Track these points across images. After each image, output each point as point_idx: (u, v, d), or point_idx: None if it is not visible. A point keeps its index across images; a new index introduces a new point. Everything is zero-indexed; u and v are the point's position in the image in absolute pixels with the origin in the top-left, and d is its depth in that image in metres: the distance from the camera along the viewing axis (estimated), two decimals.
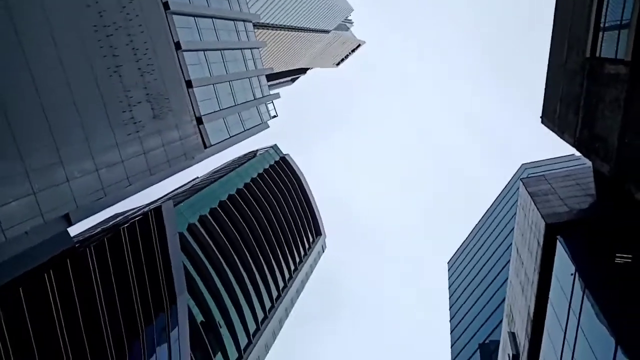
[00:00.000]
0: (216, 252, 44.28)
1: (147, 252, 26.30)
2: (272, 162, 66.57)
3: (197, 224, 43.92)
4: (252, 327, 46.84)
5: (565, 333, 17.26)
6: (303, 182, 71.67)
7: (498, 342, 33.79)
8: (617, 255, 17.04)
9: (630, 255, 17.18)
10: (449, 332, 47.54)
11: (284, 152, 71.39)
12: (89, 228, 42.51)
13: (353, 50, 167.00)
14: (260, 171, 61.65)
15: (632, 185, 12.19)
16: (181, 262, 33.44)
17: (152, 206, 33.76)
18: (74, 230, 25.77)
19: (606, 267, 16.54)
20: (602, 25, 14.35)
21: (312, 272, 68.49)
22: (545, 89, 20.43)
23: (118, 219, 36.33)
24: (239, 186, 54.66)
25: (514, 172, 53.37)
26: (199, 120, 29.72)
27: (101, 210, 22.61)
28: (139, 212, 33.19)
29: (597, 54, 13.85)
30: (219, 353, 39.82)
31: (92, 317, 21.65)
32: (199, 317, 38.66)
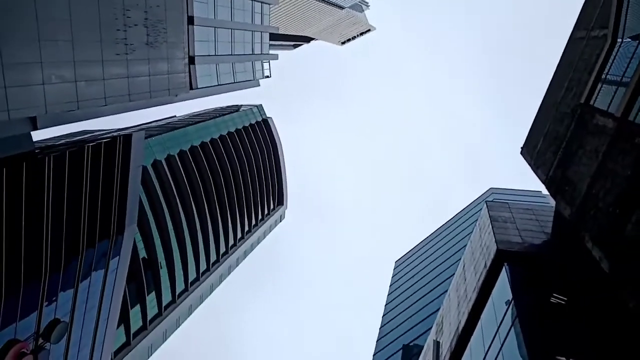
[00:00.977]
0: (175, 194, 43.80)
1: (106, 176, 25.78)
2: (253, 122, 65.81)
3: (163, 162, 43.22)
4: (192, 275, 46.89)
5: (486, 354, 17.99)
6: (279, 149, 71.29)
7: (422, 347, 34.97)
8: (553, 295, 17.79)
9: (565, 299, 17.97)
10: (379, 327, 48.84)
11: (268, 115, 70.66)
12: (54, 137, 41.27)
13: (362, 34, 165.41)
14: (239, 127, 60.89)
15: (587, 234, 12.67)
16: (138, 195, 32.98)
17: (122, 132, 33.01)
18: (37, 136, 24.98)
19: (541, 304, 17.24)
20: (603, 76, 14.68)
21: (264, 238, 68.74)
22: (533, 122, 20.84)
23: (85, 136, 35.42)
24: (214, 136, 53.92)
25: (482, 193, 54.53)
26: (192, 60, 28.99)
27: (70, 122, 21.96)
28: (107, 135, 32.41)
29: (591, 102, 14.18)
30: (153, 292, 39.76)
31: (35, 226, 21.20)
32: (142, 253, 38.39)
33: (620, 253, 11.15)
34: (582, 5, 17.26)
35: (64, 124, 21.47)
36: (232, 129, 58.72)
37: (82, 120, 22.65)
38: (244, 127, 62.10)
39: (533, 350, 14.59)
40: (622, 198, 11.49)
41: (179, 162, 45.45)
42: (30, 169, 20.49)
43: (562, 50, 19.14)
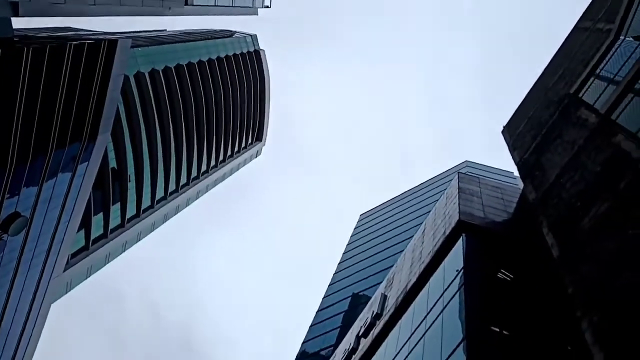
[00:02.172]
0: (154, 110, 42.92)
1: (85, 79, 24.98)
2: (245, 51, 63.96)
3: (146, 75, 41.97)
4: (159, 194, 46.92)
5: (427, 314, 18.98)
6: (266, 84, 69.96)
7: (370, 298, 36.55)
8: (501, 270, 18.70)
9: (512, 276, 18.93)
10: (333, 272, 50.54)
11: (261, 48, 68.69)
12: (35, 28, 39.33)
13: None
14: (230, 54, 59.15)
15: (545, 220, 13.24)
16: (116, 104, 32.20)
17: (108, 37, 31.71)
18: (18, 24, 23.73)
19: (488, 277, 18.13)
20: (597, 71, 14.81)
21: (237, 170, 68.74)
22: (520, 104, 21.03)
23: (69, 34, 33.89)
24: (203, 58, 52.36)
25: (457, 164, 55.43)
26: None
27: (55, 15, 20.94)
28: (92, 37, 31.10)
29: (580, 95, 14.37)
30: (118, 204, 39.77)
31: (4, 115, 20.63)
32: (113, 163, 38.00)
33: (572, 243, 11.74)
34: None
35: (48, 16, 20.47)
36: (222, 55, 57.04)
37: (68, 16, 21.61)
38: (234, 55, 60.37)
39: (471, 316, 15.45)
40: (585, 192, 11.96)
41: (162, 79, 44.23)
42: (6, 56, 19.66)
43: (561, 37, 19.11)
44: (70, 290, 36.51)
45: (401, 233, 48.74)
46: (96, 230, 37.01)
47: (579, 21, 18.00)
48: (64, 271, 32.45)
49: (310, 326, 43.33)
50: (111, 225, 38.80)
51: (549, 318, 15.32)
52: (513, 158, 17.99)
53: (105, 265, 40.76)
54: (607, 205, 10.93)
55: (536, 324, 15.69)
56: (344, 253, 53.71)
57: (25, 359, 30.31)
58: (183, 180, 51.40)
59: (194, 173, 53.64)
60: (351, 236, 57.84)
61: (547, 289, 15.51)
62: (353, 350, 25.37)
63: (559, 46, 19.32)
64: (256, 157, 73.47)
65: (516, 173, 47.15)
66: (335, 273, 49.76)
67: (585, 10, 18.46)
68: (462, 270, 17.96)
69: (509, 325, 15.83)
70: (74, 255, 34.78)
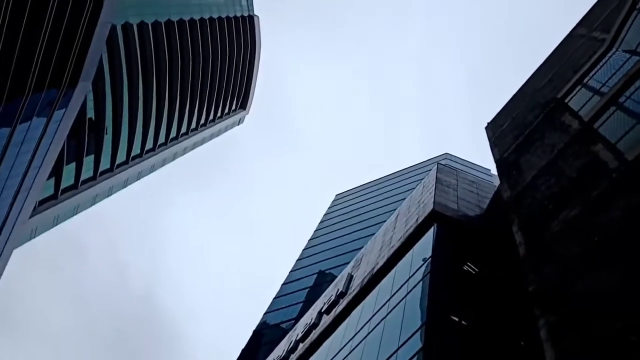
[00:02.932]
0: (139, 64, 41.78)
1: (70, 23, 24.08)
2: (239, 15, 62.55)
3: (134, 27, 40.68)
4: (135, 150, 46.07)
5: (390, 298, 19.36)
6: (257, 51, 68.74)
7: (336, 276, 37.03)
8: (467, 263, 19.13)
9: (477, 269, 19.39)
10: (303, 248, 50.95)
11: (256, 13, 67.24)
12: None
13: None
14: (223, 15, 57.75)
15: (516, 219, 13.52)
16: (100, 53, 31.22)
17: None
18: None
19: (454, 268, 18.53)
20: (585, 80, 15.01)
21: (217, 136, 67.91)
22: (507, 102, 21.22)
23: None
24: (195, 17, 50.99)
25: (437, 155, 55.97)
26: None
27: None
28: None
29: (566, 100, 14.56)
30: (92, 156, 38.93)
31: None
32: (91, 114, 37.00)
33: (539, 244, 12.05)
34: (593, 3, 17.20)
35: None
36: (215, 15, 55.64)
37: None
38: (227, 18, 58.96)
39: (432, 304, 15.80)
40: (558, 196, 12.23)
41: (150, 33, 42.96)
42: None
43: (557, 39, 19.24)
44: (34, 237, 35.87)
45: (374, 217, 49.26)
46: (67, 180, 36.23)
47: (575, 27, 18.14)
48: (30, 217, 31.79)
49: (274, 298, 43.75)
50: (83, 177, 38.02)
51: (508, 313, 15.80)
52: (493, 155, 18.23)
53: (73, 216, 40.10)
54: (577, 210, 11.21)
55: (495, 317, 16.17)
56: (315, 230, 54.08)
57: None
58: (161, 139, 50.56)
59: (172, 133, 52.78)
60: (325, 214, 58.21)
61: (509, 286, 15.95)
62: (314, 326, 25.77)
63: (552, 49, 19.48)
64: (238, 124, 72.66)
65: (493, 170, 47.91)
66: (305, 249, 50.16)
67: (584, 17, 18.59)
68: (430, 259, 18.29)
69: (469, 316, 16.28)
70: (41, 202, 34.05)
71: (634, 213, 9.21)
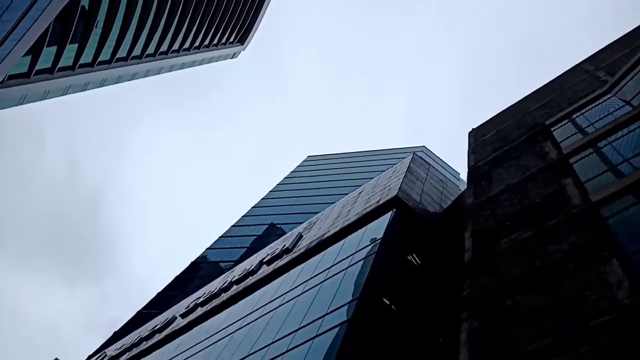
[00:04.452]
0: None
1: None
2: None
3: None
4: (121, 53, 44.34)
5: (332, 266, 19.75)
6: None
7: (285, 232, 37.52)
8: (413, 254, 19.72)
9: (419, 262, 20.02)
10: (261, 197, 51.10)
11: None
12: None
13: None
14: None
15: (471, 226, 13.95)
16: None
17: None
18: None
19: (399, 256, 19.06)
20: (573, 117, 15.34)
21: (207, 63, 66.03)
22: (496, 115, 21.49)
23: None
24: None
25: (415, 145, 56.49)
26: None
27: None
28: None
29: (552, 129, 14.87)
30: (76, 45, 37.26)
31: None
32: (85, 2, 35.22)
33: (484, 254, 12.51)
34: (607, 44, 17.39)
35: None
36: None
37: None
38: None
39: (369, 282, 16.25)
40: (517, 216, 12.65)
41: None
42: None
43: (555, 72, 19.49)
44: None
45: (338, 187, 49.70)
46: (44, 62, 34.67)
47: (582, 61, 18.37)
48: None
49: (220, 236, 44.05)
50: (61, 64, 36.46)
51: (437, 310, 16.50)
52: (468, 160, 18.56)
53: (41, 100, 38.64)
54: (529, 234, 11.66)
55: (424, 310, 16.86)
56: (278, 184, 54.21)
57: None
58: (150, 49, 48.80)
59: (163, 47, 50.98)
60: (292, 171, 58.28)
61: (446, 285, 16.59)
62: (252, 272, 26.19)
63: (554, 77, 19.74)
64: (232, 58, 70.83)
65: (462, 176, 48.94)
66: (263, 198, 50.33)
67: (591, 56, 18.82)
68: (379, 241, 18.71)
69: (400, 303, 16.90)
70: (11, 77, 32.58)
71: (580, 250, 9.65)
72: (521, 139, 16.13)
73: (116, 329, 40.32)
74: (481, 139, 19.63)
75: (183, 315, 28.61)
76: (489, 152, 17.38)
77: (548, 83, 19.68)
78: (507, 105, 21.81)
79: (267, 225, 43.85)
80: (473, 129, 22.04)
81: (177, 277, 41.42)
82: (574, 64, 18.82)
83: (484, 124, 21.80)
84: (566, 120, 15.52)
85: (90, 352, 39.07)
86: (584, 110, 14.82)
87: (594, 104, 14.85)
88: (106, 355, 33.56)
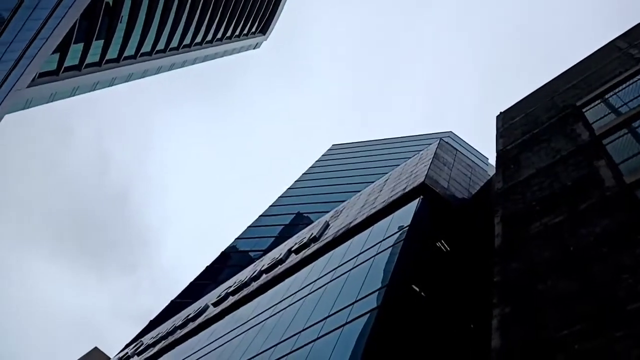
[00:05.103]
0: None
1: None
2: None
3: None
4: (146, 47, 45.00)
5: (360, 254, 19.82)
6: None
7: (312, 221, 37.72)
8: (442, 240, 19.59)
9: (448, 248, 19.88)
10: (287, 187, 51.38)
11: None
12: None
13: None
14: None
15: (501, 211, 13.76)
16: None
17: None
18: None
19: (428, 242, 18.97)
20: (606, 97, 14.86)
21: (230, 54, 66.38)
22: (525, 97, 21.01)
23: None
24: None
25: (442, 131, 55.76)
26: None
27: None
28: None
29: (584, 109, 14.47)
30: (102, 41, 37.98)
31: None
32: None
33: (514, 239, 12.35)
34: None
35: None
36: None
37: None
38: None
39: (398, 269, 16.29)
40: (547, 200, 12.41)
41: None
42: None
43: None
44: (28, 107, 35.55)
45: (363, 175, 49.55)
46: (71, 59, 35.48)
47: (615, 40, 17.73)
48: (28, 87, 31.35)
49: (249, 226, 44.59)
50: (88, 60, 37.25)
51: (467, 296, 16.40)
52: (497, 145, 18.23)
53: (70, 96, 39.63)
54: (560, 218, 11.43)
55: (453, 296, 16.79)
56: (304, 173, 54.39)
57: None
58: (174, 43, 49.35)
59: (186, 40, 51.48)
60: (317, 160, 58.36)
61: (476, 271, 16.46)
62: (281, 261, 26.49)
63: (582, 58, 19.14)
64: (254, 48, 71.01)
65: (491, 160, 48.10)
66: (290, 188, 50.61)
67: (626, 32, 18.14)
68: (407, 228, 18.67)
69: (429, 289, 16.86)
70: (42, 75, 33.48)
71: (614, 234, 9.44)
72: (551, 121, 15.74)
73: (151, 318, 41.45)
74: (509, 123, 19.23)
75: (215, 304, 29.20)
76: (518, 136, 17.04)
77: (579, 63, 19.09)
78: (535, 87, 21.29)
79: (294, 215, 44.15)
80: (501, 112, 21.60)
81: (208, 267, 42.23)
82: (607, 42, 18.18)
83: (512, 107, 21.34)
84: (598, 101, 15.06)
85: (127, 341, 40.33)
86: (617, 90, 14.35)
87: (627, 83, 14.35)
88: (143, 344, 34.60)
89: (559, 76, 19.68)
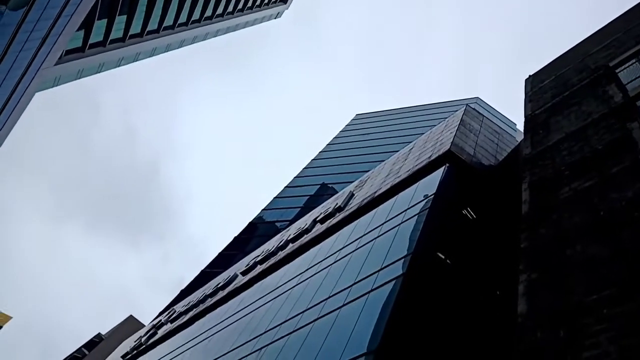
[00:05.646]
0: None
1: None
2: None
3: None
4: (168, 21, 45.00)
5: (384, 223, 19.85)
6: None
7: (337, 192, 37.83)
8: (468, 208, 19.43)
9: (474, 216, 19.72)
10: (312, 158, 51.44)
11: None
12: None
13: None
14: None
15: (529, 177, 13.51)
16: None
17: None
18: None
19: (453, 210, 18.85)
20: None
21: (251, 25, 65.80)
22: (554, 59, 20.28)
23: None
24: None
25: (468, 97, 54.59)
26: None
27: None
28: None
29: (617, 70, 13.91)
30: (125, 17, 38.13)
31: None
32: None
33: (543, 205, 12.15)
34: None
35: None
36: None
37: None
38: None
39: (423, 237, 16.26)
40: (577, 164, 12.11)
41: None
42: None
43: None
44: (57, 85, 36.28)
45: (387, 144, 49.15)
46: (96, 36, 35.82)
47: None
48: (55, 65, 31.90)
49: (275, 197, 45.07)
50: (112, 36, 37.54)
51: (493, 263, 16.34)
52: (525, 109, 17.77)
53: (96, 73, 40.20)
54: (591, 183, 11.17)
55: (479, 264, 16.75)
56: (328, 144, 54.27)
57: None
58: (195, 16, 49.18)
59: (208, 12, 51.21)
60: (341, 131, 58.07)
61: (502, 238, 16.33)
62: (306, 231, 26.79)
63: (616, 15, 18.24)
64: (275, 18, 70.14)
65: (519, 126, 46.94)
66: (314, 159, 50.68)
67: None
68: (432, 197, 18.54)
69: (455, 257, 16.85)
70: (68, 52, 33.97)
71: None
72: (582, 83, 15.20)
73: (182, 287, 42.81)
74: (538, 86, 18.65)
75: (244, 273, 29.90)
76: (547, 100, 16.54)
77: (611, 22, 18.23)
78: (566, 49, 20.50)
79: (319, 185, 44.34)
80: (530, 75, 20.95)
81: (236, 237, 43.09)
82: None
83: (541, 69, 20.65)
84: (633, 61, 14.43)
85: (161, 309, 41.84)
86: None
87: None
88: (175, 312, 35.86)
89: (590, 37, 18.87)
